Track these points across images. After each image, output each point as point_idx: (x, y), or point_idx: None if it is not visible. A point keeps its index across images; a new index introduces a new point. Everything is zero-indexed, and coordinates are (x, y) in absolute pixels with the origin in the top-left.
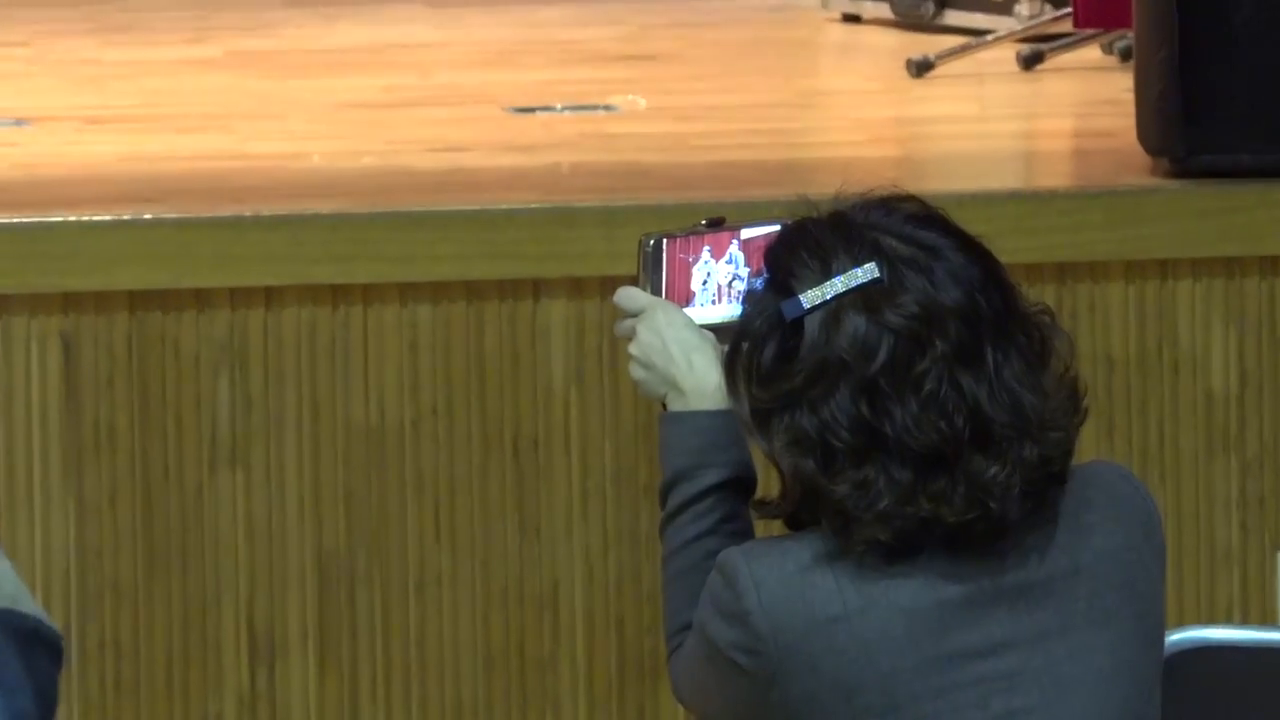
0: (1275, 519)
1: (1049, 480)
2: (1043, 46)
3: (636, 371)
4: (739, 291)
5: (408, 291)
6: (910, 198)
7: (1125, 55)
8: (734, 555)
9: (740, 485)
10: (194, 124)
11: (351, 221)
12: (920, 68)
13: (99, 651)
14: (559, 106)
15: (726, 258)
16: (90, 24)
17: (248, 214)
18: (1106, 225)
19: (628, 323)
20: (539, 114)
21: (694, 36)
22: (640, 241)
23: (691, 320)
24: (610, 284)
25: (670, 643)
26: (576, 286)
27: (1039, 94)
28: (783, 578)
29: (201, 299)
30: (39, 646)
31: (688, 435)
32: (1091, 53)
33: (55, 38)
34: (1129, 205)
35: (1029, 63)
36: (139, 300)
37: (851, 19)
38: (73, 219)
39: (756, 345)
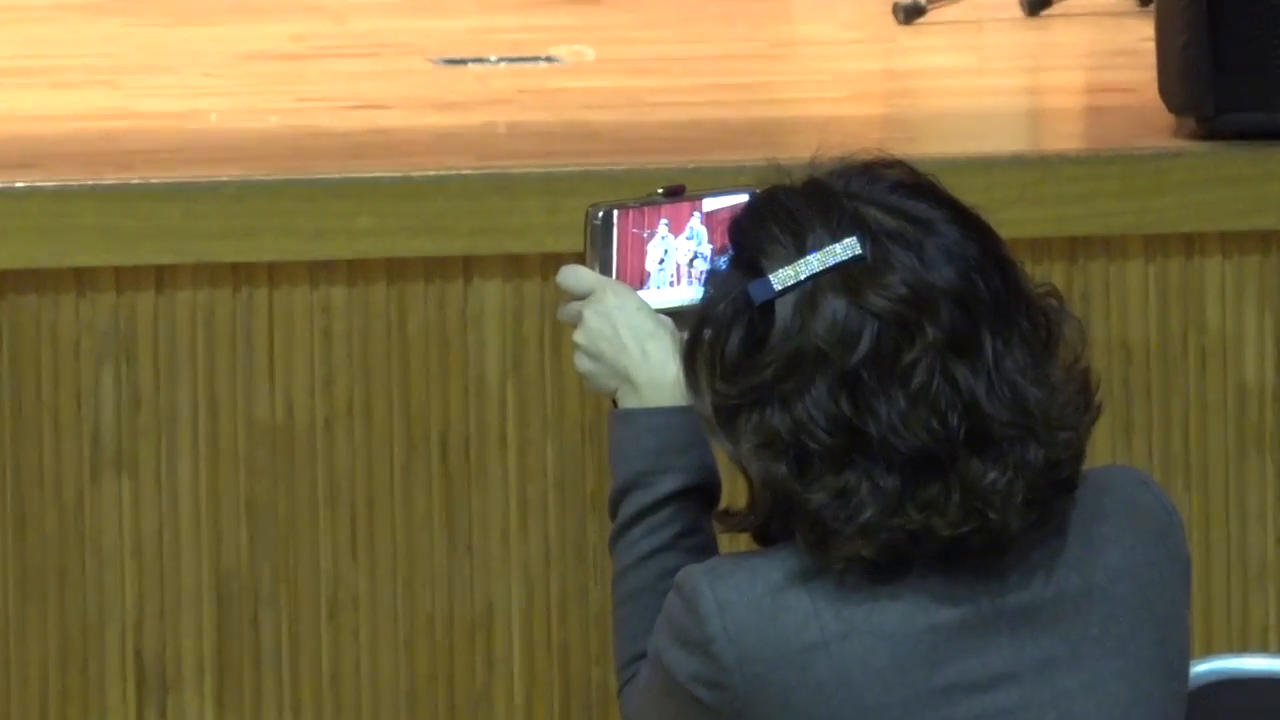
0: None
1: (1057, 487)
2: None
3: (583, 362)
4: (700, 271)
5: (320, 271)
6: (897, 163)
7: None
8: (695, 574)
9: (702, 493)
10: (75, 78)
11: (256, 190)
12: (909, 13)
13: None
14: (493, 58)
15: (686, 232)
16: None
17: (136, 182)
18: (1123, 194)
19: (573, 306)
20: (471, 66)
21: None
22: (587, 213)
23: (646, 304)
24: (553, 262)
25: (622, 675)
26: (514, 265)
27: (1046, 43)
28: (751, 600)
29: (83, 280)
30: None
31: (642, 435)
32: None
33: None
34: (1149, 171)
35: (1035, 7)
36: (10, 281)
37: None
38: None
39: (721, 332)
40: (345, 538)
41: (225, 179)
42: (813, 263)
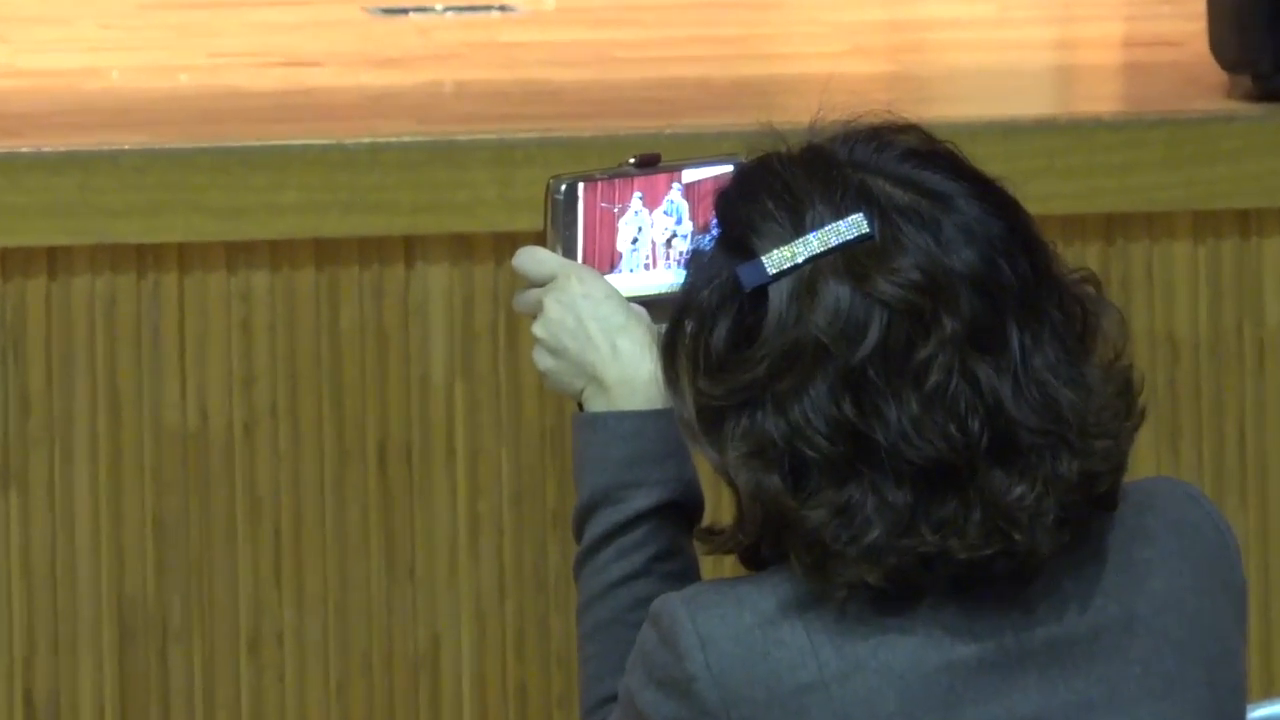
0: None
1: (1093, 504)
2: None
3: (543, 359)
4: (680, 252)
5: (238, 253)
6: (910, 127)
7: None
8: (673, 604)
9: (681, 510)
10: None
11: (163, 160)
12: None
13: None
14: (439, 7)
15: (664, 207)
16: None
17: (25, 150)
18: (1169, 164)
19: (531, 294)
20: (412, 16)
21: None
22: (548, 186)
23: (617, 291)
24: (507, 243)
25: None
26: (463, 246)
27: None
28: (738, 634)
29: None
30: None
31: (611, 443)
32: None
33: None
34: (1198, 137)
35: None
36: None
37: None
38: None
39: (704, 323)
40: (268, 562)
41: (128, 147)
42: (812, 243)
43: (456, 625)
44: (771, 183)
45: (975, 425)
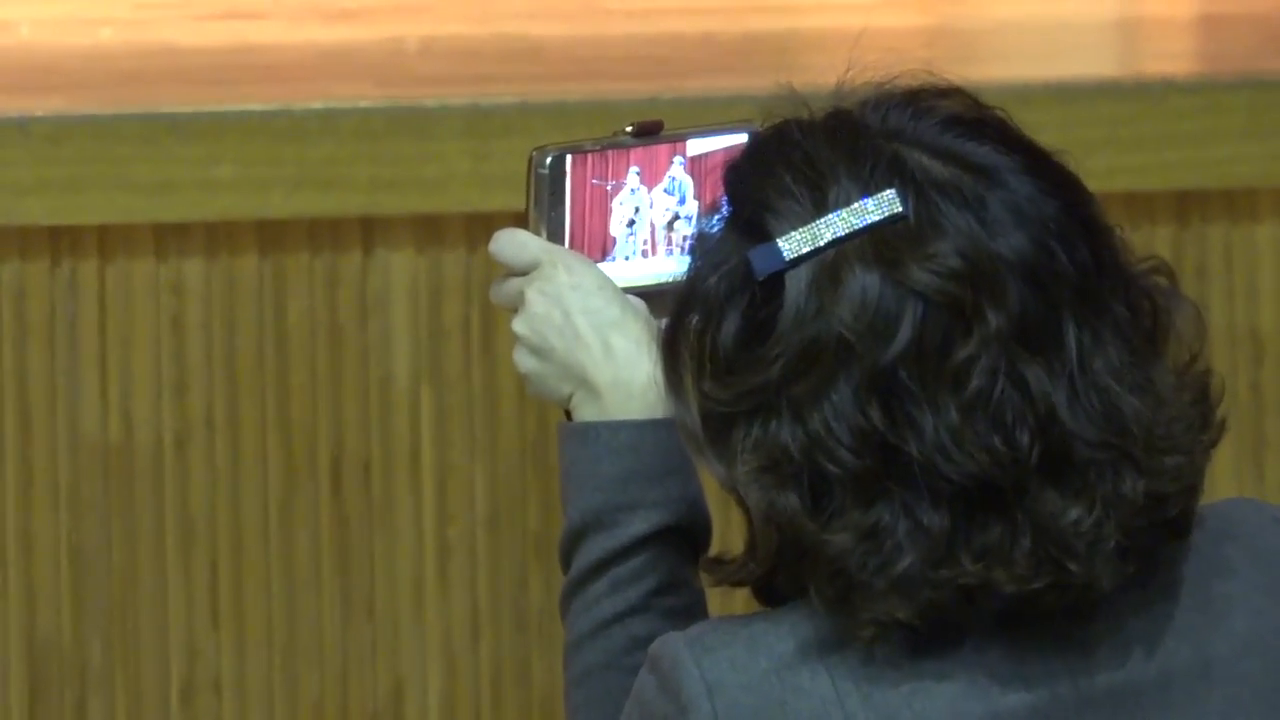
0: None
1: (1162, 530)
2: None
3: (525, 360)
4: (684, 236)
5: (168, 237)
6: (952, 91)
7: None
8: (676, 645)
9: (684, 535)
10: None
11: (81, 129)
12: None
13: None
14: None
15: (664, 184)
16: None
17: None
18: (1250, 133)
19: (511, 284)
20: None
21: None
22: (531, 159)
23: (610, 281)
24: (482, 225)
25: None
26: (430, 229)
27: None
28: (749, 681)
29: None
30: None
31: (603, 457)
32: None
33: None
34: None
35: None
36: None
37: None
38: None
39: (711, 317)
40: (203, 596)
41: (40, 114)
42: (835, 224)
43: (422, 670)
44: (789, 154)
45: (1024, 437)
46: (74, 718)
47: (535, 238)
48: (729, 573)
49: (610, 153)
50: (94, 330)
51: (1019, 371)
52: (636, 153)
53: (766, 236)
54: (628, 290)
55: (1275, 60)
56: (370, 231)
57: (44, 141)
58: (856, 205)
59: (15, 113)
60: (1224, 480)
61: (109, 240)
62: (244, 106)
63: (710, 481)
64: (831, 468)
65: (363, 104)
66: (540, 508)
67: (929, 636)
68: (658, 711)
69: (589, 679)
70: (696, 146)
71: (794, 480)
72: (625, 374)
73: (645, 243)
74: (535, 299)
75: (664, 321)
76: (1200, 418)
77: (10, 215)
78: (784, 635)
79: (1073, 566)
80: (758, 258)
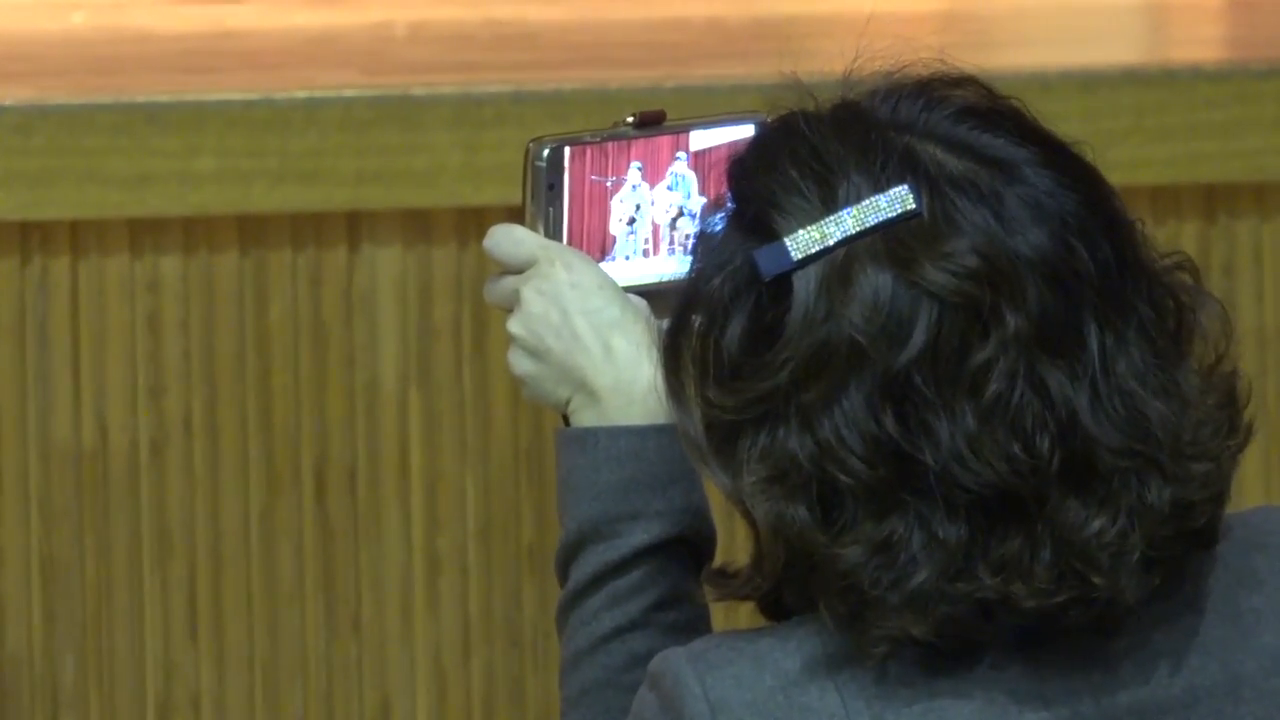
0: None
1: (1189, 541)
2: None
3: (520, 362)
4: (687, 234)
5: (144, 232)
6: (966, 80)
7: None
8: (677, 662)
9: (687, 547)
10: None
11: (52, 119)
12: None
13: None
14: None
15: (667, 180)
16: None
17: None
18: None
19: (506, 282)
20: None
21: None
22: (527, 151)
23: (610, 280)
24: (474, 220)
25: None
26: (419, 224)
27: None
28: (756, 699)
29: None
30: None
31: (602, 465)
32: None
33: None
34: None
35: None
36: None
37: None
38: None
39: (715, 320)
40: (181, 610)
41: (8, 103)
42: (845, 221)
43: (411, 688)
44: (796, 148)
45: (1044, 444)
46: None
47: (532, 234)
48: (734, 587)
49: (610, 145)
50: (66, 330)
51: (1039, 375)
52: (638, 146)
53: (773, 235)
54: (628, 289)
55: None
56: (356, 226)
57: (13, 132)
58: (867, 202)
59: None
60: (1252, 488)
61: (82, 236)
62: (224, 95)
63: (715, 492)
64: (843, 478)
65: (348, 93)
66: (535, 518)
67: (945, 654)
68: None
69: (586, 698)
70: (700, 138)
71: (803, 491)
72: (626, 377)
73: (647, 241)
74: (532, 298)
75: (666, 323)
76: (1227, 421)
77: None
78: (791, 652)
79: (1096, 579)
80: (764, 258)
